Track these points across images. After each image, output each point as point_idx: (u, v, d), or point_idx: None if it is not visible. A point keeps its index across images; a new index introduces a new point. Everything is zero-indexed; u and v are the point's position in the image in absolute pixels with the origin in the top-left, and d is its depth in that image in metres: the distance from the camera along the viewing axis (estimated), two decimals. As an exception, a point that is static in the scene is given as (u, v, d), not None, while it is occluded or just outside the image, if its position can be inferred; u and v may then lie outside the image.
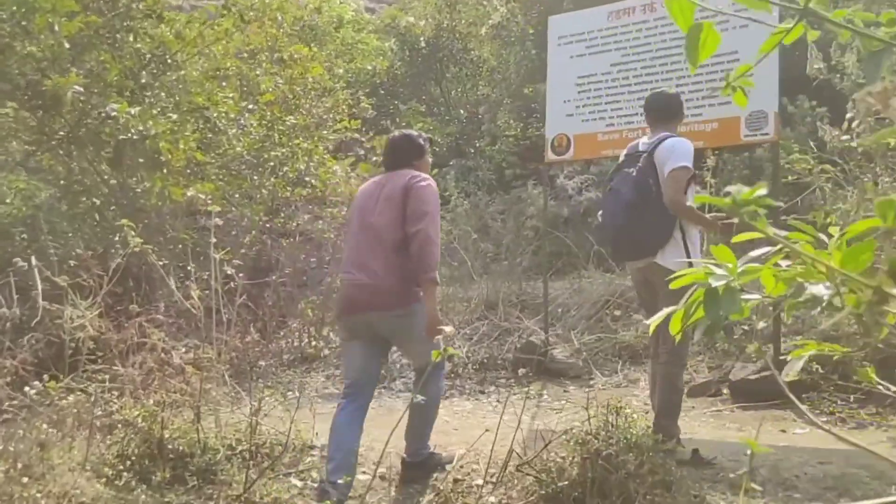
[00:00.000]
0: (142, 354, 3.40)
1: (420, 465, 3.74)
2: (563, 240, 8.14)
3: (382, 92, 13.25)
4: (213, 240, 3.83)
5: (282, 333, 7.86)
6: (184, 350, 3.44)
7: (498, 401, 5.29)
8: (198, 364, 3.36)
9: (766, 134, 5.00)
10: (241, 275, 3.68)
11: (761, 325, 5.44)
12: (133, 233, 3.36)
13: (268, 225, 7.21)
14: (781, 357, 4.91)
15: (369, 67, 11.23)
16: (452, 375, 5.97)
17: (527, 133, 12.20)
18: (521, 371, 5.71)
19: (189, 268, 4.65)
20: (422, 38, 14.10)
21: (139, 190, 6.85)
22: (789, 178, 5.45)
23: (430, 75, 14.38)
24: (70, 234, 6.03)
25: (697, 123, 5.27)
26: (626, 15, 5.67)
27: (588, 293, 7.03)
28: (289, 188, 7.68)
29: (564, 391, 5.46)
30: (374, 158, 7.28)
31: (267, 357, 7.05)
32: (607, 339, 6.19)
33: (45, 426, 3.20)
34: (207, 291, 3.53)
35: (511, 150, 12.07)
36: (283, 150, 7.47)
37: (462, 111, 13.65)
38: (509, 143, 12.24)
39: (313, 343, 7.33)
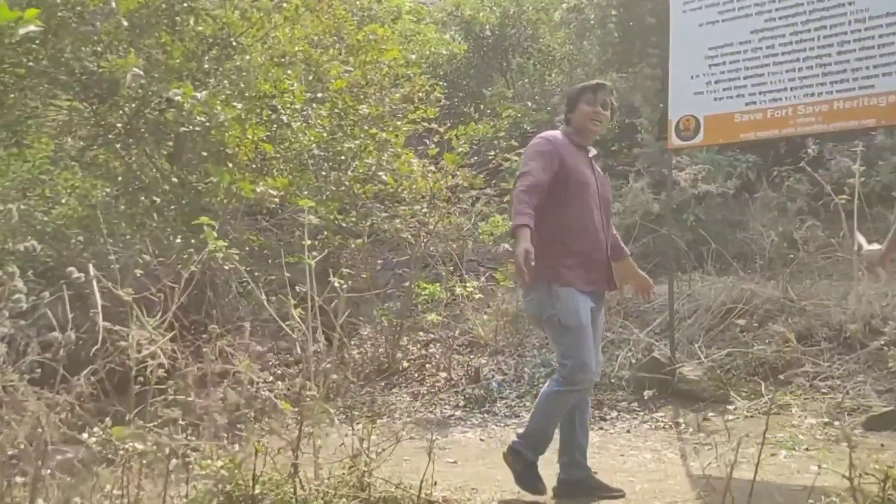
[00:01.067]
0: (225, 386, 2.68)
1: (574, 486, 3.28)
2: (671, 237, 7.25)
3: (445, 84, 12.51)
4: (307, 241, 3.08)
5: (352, 343, 7.18)
6: (278, 381, 2.70)
7: (628, 431, 4.47)
8: (296, 400, 2.63)
9: (962, 107, 4.08)
10: (344, 286, 2.92)
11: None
12: (214, 234, 2.63)
13: (343, 225, 6.49)
14: None
15: (444, 52, 10.41)
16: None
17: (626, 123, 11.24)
18: (647, 393, 4.87)
19: (268, 277, 3.96)
20: (487, 27, 13.33)
21: (201, 187, 6.21)
22: None
23: (496, 66, 13.60)
24: (129, 237, 5.41)
25: (868, 97, 4.38)
26: (770, -28, 4.79)
27: (705, 298, 6.14)
28: (358, 184, 6.95)
29: (704, 419, 4.60)
30: (459, 150, 6.50)
31: (339, 369, 6.34)
32: (739, 353, 5.31)
33: (107, 480, 2.52)
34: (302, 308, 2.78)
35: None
36: (357, 143, 6.75)
37: (529, 103, 12.82)
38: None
39: (392, 354, 6.61)
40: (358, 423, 3.02)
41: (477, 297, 6.48)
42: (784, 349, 5.21)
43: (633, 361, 5.44)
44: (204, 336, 2.94)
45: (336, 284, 2.92)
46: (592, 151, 3.45)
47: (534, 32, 13.16)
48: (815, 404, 4.66)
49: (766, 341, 5.37)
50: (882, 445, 3.86)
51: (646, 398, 4.88)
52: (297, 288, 3.10)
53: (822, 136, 5.90)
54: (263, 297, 2.92)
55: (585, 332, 3.17)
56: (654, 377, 5.02)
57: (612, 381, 5.33)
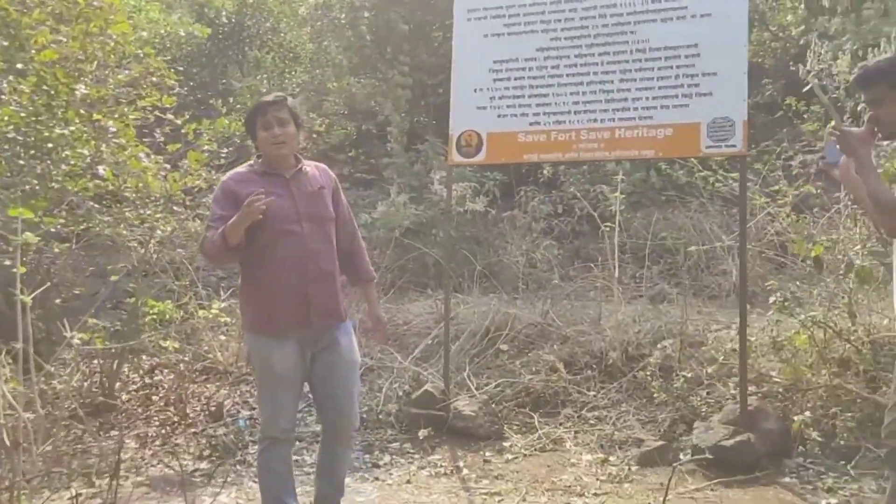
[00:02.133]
0: None
1: None
2: (436, 253, 6.95)
3: (178, 71, 11.16)
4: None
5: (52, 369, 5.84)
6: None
7: (408, 481, 3.94)
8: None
9: (733, 146, 4.19)
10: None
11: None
12: None
13: (52, 229, 5.20)
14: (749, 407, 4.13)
15: (182, 33, 9.13)
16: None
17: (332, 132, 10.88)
18: (423, 433, 4.41)
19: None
20: (223, 14, 12.20)
21: None
22: (760, 200, 4.73)
23: (232, 57, 12.50)
24: None
25: (647, 128, 4.35)
26: (556, -11, 4.62)
27: (468, 322, 5.88)
28: (70, 180, 5.66)
29: (485, 461, 4.25)
30: (206, 148, 5.56)
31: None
32: (507, 383, 5.08)
33: None
34: None
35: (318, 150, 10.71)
36: (71, 129, 5.47)
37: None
38: (315, 140, 10.87)
39: (108, 385, 5.45)
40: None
41: (223, 319, 5.58)
42: (551, 378, 5.10)
43: (401, 394, 4.97)
44: None
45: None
46: (300, 166, 3.12)
47: (275, 26, 12.32)
48: (586, 436, 4.55)
49: (533, 369, 5.22)
50: (661, 484, 3.77)
51: (420, 438, 4.43)
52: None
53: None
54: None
55: (278, 383, 2.97)
56: (429, 413, 4.59)
57: (380, 416, 4.80)
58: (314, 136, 11.00)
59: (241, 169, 3.11)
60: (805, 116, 6.02)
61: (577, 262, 8.06)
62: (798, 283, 4.76)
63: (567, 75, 4.53)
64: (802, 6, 10.90)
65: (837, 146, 2.64)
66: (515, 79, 4.63)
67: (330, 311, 3.02)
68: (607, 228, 5.71)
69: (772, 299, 4.13)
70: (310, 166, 3.15)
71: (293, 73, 12.26)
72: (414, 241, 7.73)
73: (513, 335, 5.70)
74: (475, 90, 4.70)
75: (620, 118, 4.40)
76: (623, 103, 4.40)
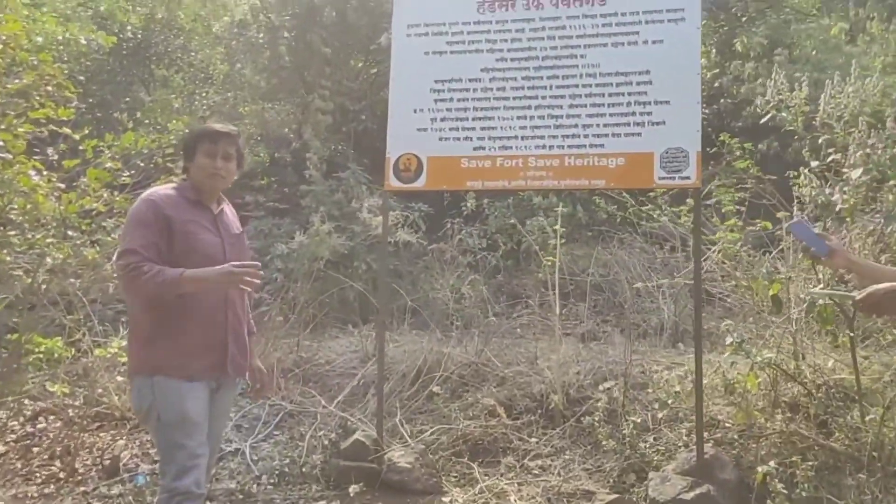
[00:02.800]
0: None
1: None
2: (357, 288, 6.48)
3: (77, 83, 10.34)
4: None
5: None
6: None
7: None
8: None
9: (687, 178, 3.97)
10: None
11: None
12: None
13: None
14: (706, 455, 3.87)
15: (83, 41, 8.37)
16: (241, 497, 3.98)
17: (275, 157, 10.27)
18: (354, 489, 3.93)
19: None
20: (129, 28, 11.46)
21: None
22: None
23: (137, 74, 11.74)
24: None
25: (599, 157, 4.09)
26: (502, 8, 4.34)
27: (397, 362, 5.45)
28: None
29: (425, 521, 3.82)
30: (108, 166, 4.96)
31: None
32: (443, 429, 4.67)
33: None
34: None
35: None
36: (-52, 139, 4.79)
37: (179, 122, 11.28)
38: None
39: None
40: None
41: (122, 359, 4.94)
42: (490, 424, 4.73)
43: (327, 443, 4.47)
44: None
45: None
46: (222, 205, 2.94)
47: (186, 44, 11.66)
48: (530, 488, 4.18)
49: (470, 413, 4.84)
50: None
51: (351, 495, 3.95)
52: None
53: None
54: None
55: (193, 430, 2.71)
56: (360, 466, 4.12)
57: (303, 469, 4.29)
58: None
59: (167, 191, 2.82)
60: (737, 154, 5.96)
61: (501, 297, 7.79)
62: (749, 321, 4.58)
63: (514, 98, 4.24)
64: (714, 51, 11.19)
65: (811, 227, 2.56)
66: (458, 100, 4.31)
67: (241, 365, 2.90)
68: (548, 262, 5.42)
69: (728, 340, 3.90)
70: (227, 206, 2.98)
71: (204, 94, 11.60)
72: (334, 273, 7.26)
73: (446, 376, 5.31)
74: (415, 111, 4.35)
75: (570, 145, 4.14)
76: (573, 130, 4.14)
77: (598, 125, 4.12)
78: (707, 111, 10.55)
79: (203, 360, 2.76)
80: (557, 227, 5.39)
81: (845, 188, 3.31)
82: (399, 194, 8.26)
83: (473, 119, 4.27)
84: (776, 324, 4.36)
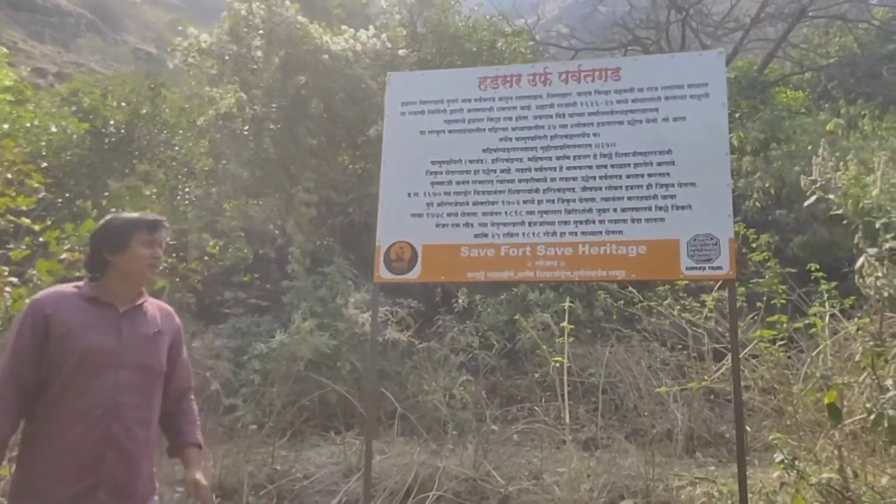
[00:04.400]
0: None
1: None
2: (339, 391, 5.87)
3: (52, 178, 9.96)
4: None
5: None
6: None
7: None
8: None
9: (718, 268, 3.51)
10: None
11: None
12: None
13: None
14: None
15: (53, 129, 7.98)
16: None
17: (226, 254, 9.90)
18: None
19: None
20: (112, 123, 11.20)
21: None
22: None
23: (118, 169, 11.39)
24: None
25: (617, 245, 3.64)
26: (506, 84, 3.99)
27: (383, 475, 4.81)
28: None
29: None
30: (64, 257, 4.46)
31: None
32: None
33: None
34: None
35: (211, 273, 9.67)
36: None
37: (151, 211, 10.88)
38: (206, 263, 9.80)
39: None
40: None
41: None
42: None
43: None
44: None
45: None
46: (143, 301, 2.57)
47: (170, 138, 11.38)
48: None
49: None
50: None
51: None
52: None
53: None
54: None
55: None
56: None
57: None
58: (205, 258, 9.93)
59: (63, 289, 2.49)
60: (753, 246, 5.59)
61: (496, 399, 7.21)
62: (793, 433, 4.02)
63: (519, 181, 3.83)
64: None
65: None
66: (458, 182, 3.89)
67: (126, 489, 2.35)
68: (556, 363, 4.87)
69: (778, 457, 3.34)
70: (152, 306, 2.63)
71: (187, 188, 11.24)
72: (316, 374, 6.66)
73: (439, 494, 4.66)
74: (409, 195, 3.91)
75: (584, 232, 3.69)
76: (587, 215, 3.71)
77: (615, 209, 3.69)
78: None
79: (63, 486, 2.26)
80: (565, 323, 4.88)
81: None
82: (388, 289, 7.80)
83: (474, 203, 3.84)
84: (822, 433, 3.81)
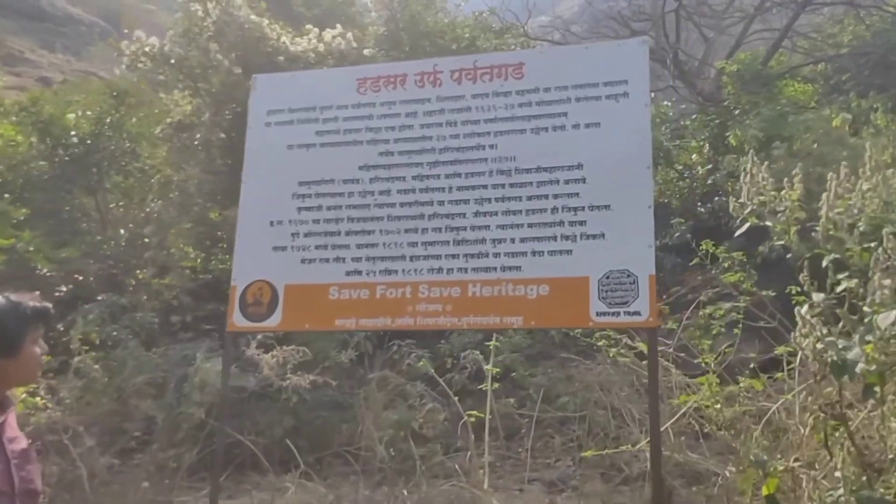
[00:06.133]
0: None
1: None
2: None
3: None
4: None
5: None
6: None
7: None
8: None
9: (636, 314, 2.78)
10: None
11: None
12: None
13: None
14: None
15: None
16: None
17: (209, 266, 9.29)
18: None
19: None
20: (74, 134, 10.67)
21: None
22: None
23: (83, 182, 10.87)
24: None
25: (513, 283, 2.93)
26: (389, 86, 3.29)
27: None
28: None
29: None
30: None
31: None
32: None
33: None
34: None
35: (186, 287, 9.04)
36: None
37: (123, 231, 10.37)
38: (185, 276, 9.19)
39: None
40: None
41: None
42: None
43: None
44: None
45: None
46: (7, 410, 1.97)
47: (134, 148, 10.84)
48: None
49: None
50: None
51: None
52: None
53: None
54: None
55: None
56: None
57: None
58: (187, 271, 9.35)
59: None
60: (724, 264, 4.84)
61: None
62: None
63: (401, 204, 3.14)
64: (707, 146, 10.41)
65: None
66: (329, 208, 3.20)
67: None
68: (470, 418, 4.14)
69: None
70: (12, 412, 2.07)
71: (153, 200, 10.68)
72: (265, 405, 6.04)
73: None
74: (272, 223, 3.24)
75: (475, 268, 2.99)
76: (479, 247, 3.00)
77: (512, 240, 2.98)
78: (702, 209, 9.58)
79: None
80: (489, 366, 4.16)
81: (868, 338, 2.12)
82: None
83: (347, 234, 3.15)
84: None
